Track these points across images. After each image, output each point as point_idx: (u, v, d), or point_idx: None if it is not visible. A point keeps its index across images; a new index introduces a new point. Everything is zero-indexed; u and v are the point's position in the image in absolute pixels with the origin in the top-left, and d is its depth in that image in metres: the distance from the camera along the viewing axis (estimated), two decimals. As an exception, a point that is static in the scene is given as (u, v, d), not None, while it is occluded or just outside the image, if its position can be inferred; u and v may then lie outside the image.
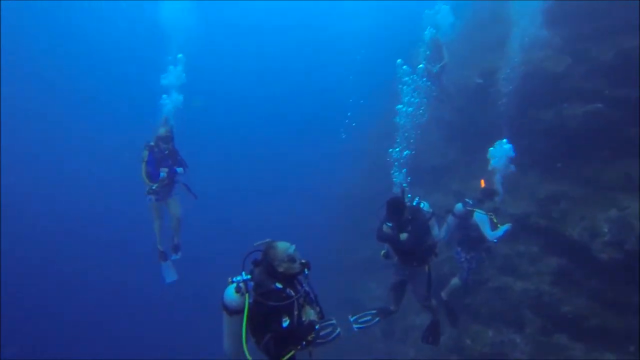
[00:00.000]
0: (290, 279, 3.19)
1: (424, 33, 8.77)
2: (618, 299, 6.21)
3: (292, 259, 3.15)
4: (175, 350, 12.14)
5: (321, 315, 3.33)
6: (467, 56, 10.32)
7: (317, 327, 3.26)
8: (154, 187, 6.18)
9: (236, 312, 3.06)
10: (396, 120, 7.26)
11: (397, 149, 6.60)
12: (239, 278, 3.07)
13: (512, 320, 7.16)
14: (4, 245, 13.20)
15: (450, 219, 6.30)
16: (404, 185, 5.93)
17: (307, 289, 3.27)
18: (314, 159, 16.31)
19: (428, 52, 8.75)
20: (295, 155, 17.22)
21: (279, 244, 3.18)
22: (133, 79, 17.25)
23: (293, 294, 3.11)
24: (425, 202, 5.28)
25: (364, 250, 10.42)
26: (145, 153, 6.08)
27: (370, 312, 5.85)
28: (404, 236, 4.90)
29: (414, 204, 5.18)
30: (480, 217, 5.91)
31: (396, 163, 6.45)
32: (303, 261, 3.20)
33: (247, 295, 3.03)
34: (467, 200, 6.29)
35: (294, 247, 3.19)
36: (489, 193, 6.28)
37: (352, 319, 5.80)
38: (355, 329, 5.74)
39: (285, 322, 3.02)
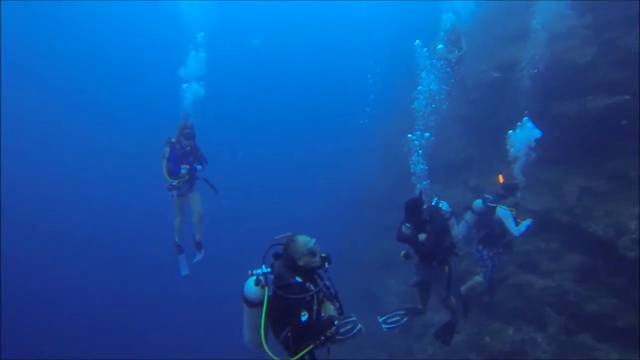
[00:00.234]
0: (310, 273, 3.13)
1: (442, 19, 8.44)
2: (647, 299, 5.92)
3: (312, 253, 3.09)
4: (176, 350, 12.08)
5: (341, 311, 3.27)
6: (485, 49, 9.98)
7: (336, 322, 3.19)
8: (174, 184, 6.21)
9: (256, 304, 3.02)
10: (415, 104, 7.03)
11: (418, 133, 6.36)
12: (259, 271, 3.03)
13: (533, 318, 6.92)
14: (4, 246, 13.18)
15: (468, 216, 6.11)
16: (423, 184, 5.77)
17: (327, 283, 3.20)
18: (333, 154, 16.11)
19: (444, 37, 8.41)
20: (313, 151, 17.07)
21: (299, 237, 3.13)
22: (150, 79, 17.44)
23: (313, 288, 3.06)
24: (444, 202, 5.16)
25: (383, 245, 10.28)
26: (167, 150, 6.11)
27: (398, 312, 5.81)
28: (422, 237, 4.86)
29: (433, 204, 5.08)
30: (504, 213, 5.72)
31: (415, 151, 6.24)
32: (323, 255, 3.14)
33: (266, 288, 2.99)
34: (486, 196, 6.09)
35: (314, 240, 3.13)
36: (511, 188, 6.06)
37: (381, 320, 5.77)
38: (385, 330, 5.70)
39: (304, 317, 2.98)
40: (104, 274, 14.09)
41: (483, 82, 9.61)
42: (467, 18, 8.90)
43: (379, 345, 8.40)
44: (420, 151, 6.12)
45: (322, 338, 3.08)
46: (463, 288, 6.29)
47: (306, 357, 3.09)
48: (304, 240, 3.11)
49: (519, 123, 6.22)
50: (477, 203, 6.05)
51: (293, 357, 3.04)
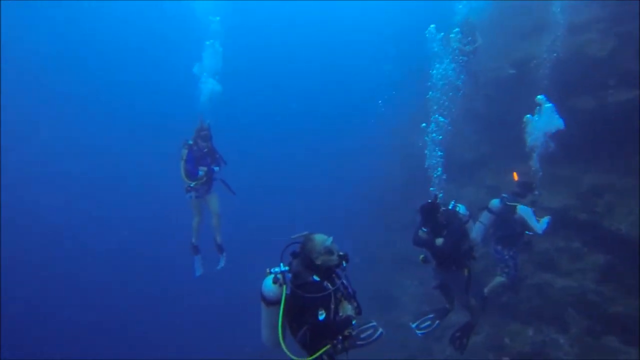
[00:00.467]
0: (327, 272, 3.09)
1: (456, 11, 8.24)
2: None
3: (329, 251, 3.05)
4: (177, 350, 11.95)
5: (359, 311, 3.21)
6: (497, 45, 9.71)
7: (354, 322, 3.13)
8: (192, 185, 6.24)
9: (273, 303, 3.00)
10: (430, 94, 6.86)
11: (434, 116, 6.18)
12: (277, 269, 3.01)
13: (554, 319, 6.66)
14: (4, 246, 13.06)
15: (484, 217, 5.91)
16: (438, 171, 5.64)
17: (344, 282, 3.14)
18: (346, 153, 15.84)
19: (458, 30, 8.19)
20: (328, 149, 16.79)
21: (316, 236, 3.10)
22: (161, 79, 17.40)
23: (330, 287, 3.02)
24: (461, 205, 5.10)
25: (397, 245, 10.12)
26: (185, 151, 6.14)
27: (429, 316, 5.74)
28: (439, 241, 4.80)
29: (450, 207, 5.02)
30: (525, 211, 5.54)
31: (430, 143, 6.09)
32: (341, 253, 3.10)
33: (284, 286, 2.96)
34: (504, 195, 5.92)
35: (331, 239, 3.10)
36: (528, 186, 5.87)
37: (413, 326, 5.72)
38: (420, 335, 5.65)
39: (322, 315, 2.94)
40: (105, 273, 13.96)
41: (497, 78, 9.37)
42: (479, 14, 8.68)
43: (398, 346, 8.25)
44: (435, 136, 5.96)
45: (340, 337, 3.03)
46: (486, 290, 6.12)
47: (324, 357, 3.04)
48: (321, 239, 3.07)
49: (537, 107, 5.88)
50: (495, 203, 5.87)
51: (310, 356, 3.00)
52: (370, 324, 3.39)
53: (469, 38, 8.27)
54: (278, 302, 2.95)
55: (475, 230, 5.56)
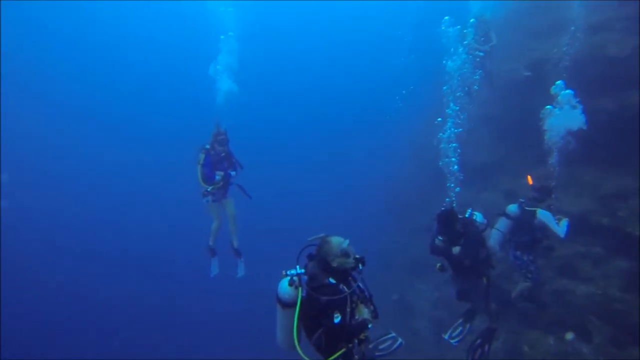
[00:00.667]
0: (344, 275, 3.05)
1: (471, 9, 8.08)
2: None
3: (346, 254, 3.01)
4: (180, 350, 11.82)
5: (375, 315, 3.15)
6: (512, 47, 9.50)
7: (370, 326, 3.07)
8: (209, 189, 6.26)
9: (289, 305, 2.98)
10: (445, 89, 6.70)
11: (452, 105, 6.03)
12: (293, 271, 2.98)
13: (576, 327, 6.36)
14: (4, 246, 12.97)
15: (501, 223, 5.73)
16: (455, 190, 5.54)
17: (361, 286, 3.08)
18: (363, 154, 15.66)
19: (473, 30, 8.01)
20: (342, 152, 16.63)
21: (332, 238, 3.06)
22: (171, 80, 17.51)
23: (346, 289, 2.96)
24: (478, 213, 4.99)
25: (412, 249, 9.95)
26: (202, 156, 6.17)
27: (458, 323, 5.65)
28: (456, 250, 4.70)
29: (467, 215, 4.92)
30: (545, 215, 5.38)
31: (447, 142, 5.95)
32: (357, 256, 3.05)
33: (300, 288, 2.92)
34: (521, 200, 5.75)
35: (348, 241, 3.05)
36: (546, 190, 5.68)
37: (446, 337, 5.62)
38: (454, 344, 5.56)
39: (337, 318, 2.89)
40: (105, 273, 13.85)
41: (513, 81, 9.16)
42: (493, 13, 8.50)
43: (410, 351, 8.05)
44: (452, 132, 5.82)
45: (356, 341, 2.97)
46: (513, 296, 6.00)
47: None
48: (338, 241, 3.03)
49: (555, 90, 5.53)
50: (512, 208, 5.70)
51: (326, 359, 2.94)
52: (390, 335, 3.33)
53: (482, 38, 8.08)
54: (294, 305, 2.93)
55: (493, 239, 5.42)
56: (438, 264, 5.01)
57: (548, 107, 5.66)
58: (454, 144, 5.69)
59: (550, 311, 6.74)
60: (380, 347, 3.20)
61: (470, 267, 4.79)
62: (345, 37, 18.25)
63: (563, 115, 5.53)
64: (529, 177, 5.99)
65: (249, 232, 8.44)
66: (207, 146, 6.19)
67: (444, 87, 6.72)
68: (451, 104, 6.05)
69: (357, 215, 12.69)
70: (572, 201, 6.99)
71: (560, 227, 5.29)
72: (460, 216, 4.80)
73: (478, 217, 4.92)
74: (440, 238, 4.74)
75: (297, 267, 3.02)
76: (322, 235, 3.10)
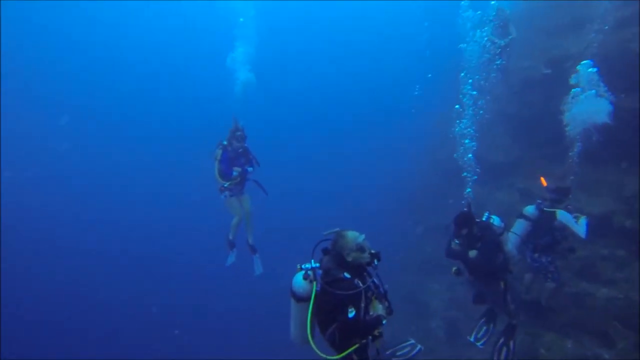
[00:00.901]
0: (359, 269, 3.01)
1: (490, 4, 7.77)
2: None
3: (361, 249, 2.97)
4: (181, 350, 11.70)
5: (389, 311, 3.10)
6: (528, 44, 9.15)
7: (384, 322, 3.00)
8: (225, 185, 6.27)
9: (303, 299, 2.96)
10: (462, 75, 6.48)
11: (468, 92, 5.83)
12: (307, 265, 2.95)
13: (596, 331, 6.11)
14: (4, 246, 12.75)
15: (518, 226, 5.55)
16: (468, 150, 5.36)
17: (376, 281, 3.02)
18: (377, 151, 15.28)
19: (491, 23, 7.73)
20: (355, 149, 16.27)
21: (348, 233, 3.03)
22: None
23: (361, 284, 2.92)
24: (495, 217, 4.87)
25: (425, 248, 9.78)
26: (219, 152, 6.17)
27: (480, 324, 5.53)
28: (473, 253, 4.60)
29: (484, 219, 4.81)
30: (565, 216, 5.20)
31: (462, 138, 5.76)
32: (373, 251, 3.00)
33: (314, 283, 2.88)
34: (539, 201, 5.57)
35: (363, 236, 3.01)
36: (564, 190, 5.48)
37: (472, 340, 5.51)
38: (481, 347, 5.45)
39: (351, 313, 2.85)
40: (105, 273, 13.68)
41: (530, 78, 8.86)
42: (512, 8, 8.19)
43: (425, 352, 7.91)
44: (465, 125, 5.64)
45: (370, 337, 2.91)
46: (543, 301, 5.89)
47: (353, 356, 2.92)
48: (353, 236, 3.00)
49: (580, 68, 4.99)
50: (530, 210, 5.53)
51: (339, 354, 2.90)
52: (409, 342, 3.29)
53: (500, 30, 7.80)
54: (308, 299, 2.91)
55: (511, 243, 5.27)
56: (454, 268, 4.92)
57: (575, 89, 5.27)
58: (471, 129, 5.51)
59: (568, 314, 6.50)
60: (399, 353, 3.16)
61: (487, 271, 4.68)
62: (358, 32, 17.89)
63: (587, 104, 5.15)
64: (542, 178, 5.81)
65: (264, 228, 8.42)
66: (225, 142, 6.19)
67: (462, 74, 6.52)
68: (468, 87, 5.84)
69: (369, 213, 12.46)
70: (593, 201, 6.72)
71: (580, 227, 5.10)
72: (477, 219, 4.70)
73: (495, 220, 4.81)
74: (456, 241, 4.67)
75: (312, 261, 2.99)
76: (337, 229, 3.07)
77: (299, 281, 2.94)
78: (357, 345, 2.90)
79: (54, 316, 12.27)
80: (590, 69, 5.05)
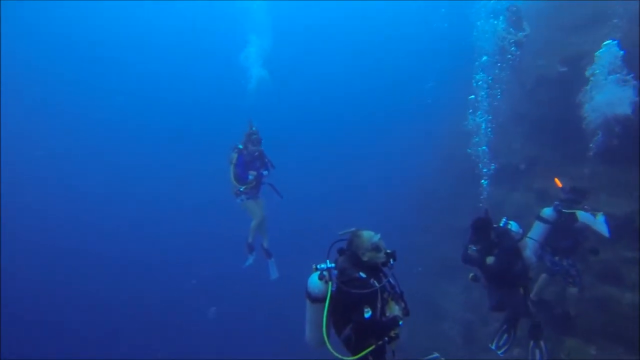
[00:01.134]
0: (374, 269, 2.95)
1: None
2: None
3: (377, 248, 2.91)
4: (181, 350, 11.52)
5: (406, 312, 3.02)
6: (541, 41, 8.87)
7: (400, 323, 2.92)
8: (241, 189, 6.27)
9: (319, 299, 2.91)
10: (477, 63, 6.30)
11: (485, 105, 5.70)
12: (323, 265, 2.91)
13: (620, 337, 5.82)
14: (4, 246, 12.59)
15: (536, 230, 5.38)
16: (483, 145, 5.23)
17: (392, 282, 2.95)
18: (392, 154, 14.95)
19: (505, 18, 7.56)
20: (372, 150, 15.87)
21: (364, 232, 2.99)
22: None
23: (377, 284, 2.85)
24: (513, 223, 4.72)
25: (441, 249, 9.56)
26: (234, 155, 6.17)
27: (502, 331, 5.34)
28: (490, 260, 4.47)
29: (502, 224, 4.69)
30: (586, 217, 5.04)
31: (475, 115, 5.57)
32: (388, 251, 2.94)
33: (330, 283, 2.83)
34: (556, 203, 5.38)
35: (379, 236, 2.96)
36: (581, 191, 5.29)
37: (494, 347, 5.34)
38: (502, 355, 5.29)
39: (367, 313, 2.79)
40: (105, 273, 13.51)
41: (544, 77, 8.59)
42: (526, 3, 8.00)
43: (442, 355, 7.70)
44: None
45: (386, 338, 2.84)
46: (571, 311, 5.71)
47: (369, 358, 2.85)
48: (369, 236, 2.95)
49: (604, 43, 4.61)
50: (548, 212, 5.35)
51: (354, 356, 2.83)
52: (433, 356, 3.21)
53: (513, 25, 7.61)
54: (323, 299, 2.86)
55: (529, 249, 5.08)
56: (471, 274, 4.83)
57: (596, 71, 4.86)
58: (488, 117, 5.34)
59: (591, 319, 6.22)
60: None
61: (505, 278, 4.54)
62: (370, 29, 17.61)
63: (609, 92, 4.78)
64: (556, 179, 5.61)
65: (279, 231, 8.35)
66: (240, 146, 6.17)
67: (476, 62, 6.36)
68: (481, 74, 5.68)
69: (384, 214, 12.21)
70: (613, 202, 6.43)
71: (602, 227, 4.91)
72: (494, 225, 4.58)
73: (513, 226, 4.67)
74: (473, 247, 4.55)
75: (327, 261, 2.94)
76: (353, 229, 3.03)
77: (314, 281, 2.90)
78: (373, 347, 2.84)
79: (54, 316, 12.12)
80: (614, 49, 4.62)
